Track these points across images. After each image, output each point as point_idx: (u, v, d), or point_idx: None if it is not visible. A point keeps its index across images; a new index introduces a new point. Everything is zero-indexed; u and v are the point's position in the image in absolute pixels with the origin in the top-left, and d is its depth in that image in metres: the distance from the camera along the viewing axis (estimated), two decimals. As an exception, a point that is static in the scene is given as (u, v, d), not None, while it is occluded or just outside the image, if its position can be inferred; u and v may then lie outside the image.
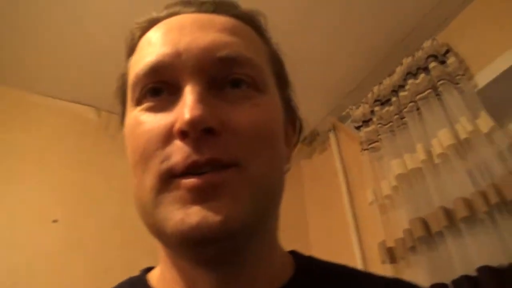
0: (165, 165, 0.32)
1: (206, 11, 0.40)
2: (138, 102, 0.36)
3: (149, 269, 0.44)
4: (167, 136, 0.33)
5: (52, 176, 1.40)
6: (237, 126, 0.33)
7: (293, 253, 0.44)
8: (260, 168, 0.33)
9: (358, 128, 1.56)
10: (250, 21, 0.42)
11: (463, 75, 1.28)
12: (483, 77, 1.26)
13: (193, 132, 0.31)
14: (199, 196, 0.30)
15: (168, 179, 0.32)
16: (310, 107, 1.71)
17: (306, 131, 1.78)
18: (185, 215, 0.30)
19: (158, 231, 0.33)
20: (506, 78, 1.22)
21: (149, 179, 0.32)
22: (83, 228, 1.34)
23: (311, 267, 0.42)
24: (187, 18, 0.39)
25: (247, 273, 0.36)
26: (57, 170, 1.42)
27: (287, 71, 0.46)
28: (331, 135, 1.78)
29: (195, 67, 0.34)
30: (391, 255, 1.26)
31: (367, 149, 1.49)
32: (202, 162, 0.31)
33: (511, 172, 1.01)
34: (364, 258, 1.44)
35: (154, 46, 0.37)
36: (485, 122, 1.13)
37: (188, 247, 0.31)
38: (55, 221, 1.33)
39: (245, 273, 0.35)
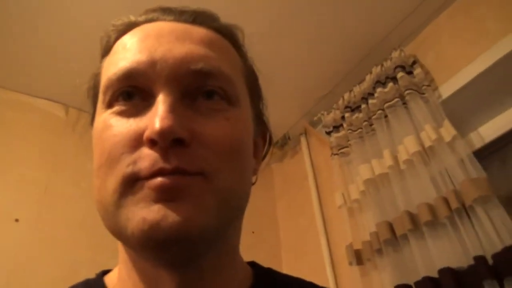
0: (131, 169, 0.32)
1: (184, 21, 0.40)
2: (109, 105, 0.36)
3: (106, 271, 0.43)
4: (136, 142, 0.33)
5: (15, 174, 1.35)
6: (207, 138, 0.33)
7: (253, 264, 0.45)
8: (226, 180, 0.34)
9: (328, 133, 1.59)
10: (227, 35, 0.43)
11: (428, 85, 1.34)
12: (447, 89, 1.33)
13: (162, 142, 0.31)
14: (163, 195, 0.31)
15: (133, 182, 0.32)
16: (283, 112, 1.74)
17: (278, 135, 1.82)
18: (146, 213, 0.30)
19: (119, 232, 0.32)
20: (468, 90, 1.29)
21: (113, 182, 0.32)
22: (47, 228, 1.30)
23: (270, 279, 0.43)
24: (165, 27, 0.39)
25: (208, 279, 0.36)
26: (20, 168, 1.36)
27: (260, 85, 0.47)
28: (303, 139, 1.81)
29: (169, 77, 0.35)
30: (358, 257, 1.30)
31: (337, 154, 1.53)
32: (168, 170, 0.31)
33: (470, 178, 1.06)
34: (332, 260, 1.48)
35: (129, 52, 0.37)
36: (448, 131, 1.19)
37: (148, 247, 0.31)
38: (17, 220, 1.28)
39: (205, 279, 0.36)
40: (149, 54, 0.36)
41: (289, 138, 1.82)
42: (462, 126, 1.32)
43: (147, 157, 0.32)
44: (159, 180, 0.31)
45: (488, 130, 1.32)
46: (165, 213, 0.30)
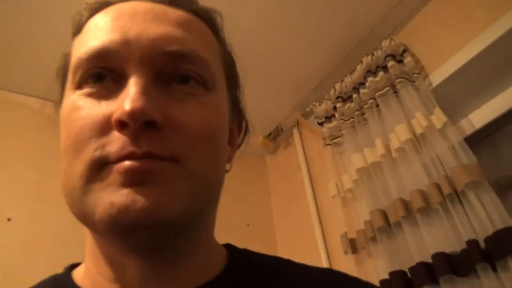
0: (99, 153, 0.31)
1: (161, 2, 0.38)
2: (78, 86, 0.35)
3: (75, 265, 0.42)
4: (105, 126, 0.32)
5: (7, 172, 1.33)
6: (180, 122, 0.32)
7: (228, 246, 0.44)
8: (199, 166, 0.33)
9: (321, 124, 1.60)
10: (206, 18, 0.41)
11: (419, 73, 1.35)
12: (437, 76, 1.34)
13: (133, 124, 0.30)
14: (132, 179, 0.30)
15: (101, 166, 0.31)
16: (275, 104, 1.74)
17: (271, 127, 1.82)
18: (115, 197, 0.29)
19: (86, 218, 0.31)
20: (458, 77, 1.30)
21: (80, 166, 0.31)
22: (39, 227, 1.29)
23: (244, 259, 0.42)
24: (141, 6, 0.37)
25: (178, 265, 0.35)
26: (12, 166, 1.35)
27: (238, 72, 0.46)
28: (295, 131, 1.81)
29: (142, 58, 0.33)
30: (352, 245, 1.31)
31: (329, 144, 1.54)
32: (138, 154, 0.30)
33: (461, 164, 1.07)
34: (327, 249, 1.49)
35: (101, 31, 0.35)
36: (438, 118, 1.20)
37: (116, 232, 0.30)
38: (9, 219, 1.27)
39: (175, 265, 0.35)
40: (123, 33, 0.34)
41: (281, 130, 1.82)
42: (453, 113, 1.33)
43: (116, 140, 0.30)
44: (127, 163, 0.30)
45: (479, 116, 1.33)
46: (134, 197, 0.29)
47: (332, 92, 1.58)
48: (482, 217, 0.99)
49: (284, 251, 1.66)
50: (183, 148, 0.32)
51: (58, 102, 0.40)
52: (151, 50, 0.34)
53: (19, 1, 1.24)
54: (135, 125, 0.30)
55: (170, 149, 0.31)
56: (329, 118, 1.57)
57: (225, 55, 0.42)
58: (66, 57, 0.40)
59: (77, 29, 0.39)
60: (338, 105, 1.53)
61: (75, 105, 0.34)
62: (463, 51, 1.29)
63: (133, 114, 0.29)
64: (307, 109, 1.70)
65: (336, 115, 1.53)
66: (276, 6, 1.39)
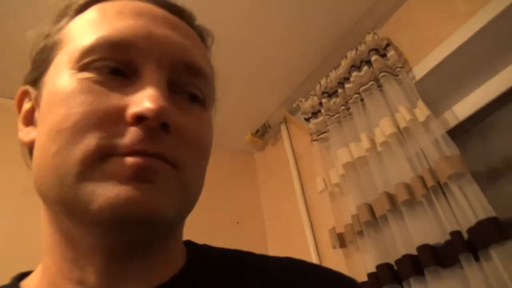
0: (106, 142, 0.31)
1: (173, 12, 0.40)
2: (83, 68, 0.34)
3: (24, 274, 0.40)
4: (115, 117, 0.32)
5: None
6: (185, 132, 0.34)
7: (187, 242, 0.44)
8: (192, 175, 0.35)
9: (307, 119, 1.60)
10: (203, 38, 0.43)
11: (402, 67, 1.36)
12: (420, 69, 1.35)
13: (154, 122, 0.31)
14: (138, 175, 0.30)
15: (105, 156, 0.30)
16: (262, 101, 1.74)
17: (258, 124, 1.82)
18: (121, 190, 0.29)
19: (76, 206, 0.30)
20: (440, 70, 1.31)
21: (80, 152, 0.30)
22: (25, 227, 1.28)
23: (204, 254, 0.42)
24: (158, 12, 0.38)
25: (146, 263, 0.35)
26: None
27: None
28: (283, 127, 1.82)
29: (163, 61, 0.34)
30: (341, 240, 1.32)
31: (316, 140, 1.54)
32: (150, 153, 0.31)
33: (444, 157, 1.09)
34: (316, 244, 1.50)
35: (121, 21, 0.35)
36: (421, 111, 1.21)
37: (111, 224, 0.30)
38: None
39: (144, 263, 0.35)
40: (148, 32, 0.35)
41: (269, 126, 1.83)
42: (437, 105, 1.34)
43: (130, 133, 0.31)
44: (137, 159, 0.30)
45: (462, 108, 1.34)
46: (139, 193, 0.30)
47: (317, 87, 1.59)
48: (465, 208, 1.00)
49: (274, 247, 1.67)
50: (182, 156, 0.33)
51: (32, 84, 0.39)
52: (172, 57, 0.35)
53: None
54: (156, 123, 0.31)
55: (174, 154, 0.33)
56: (315, 114, 1.57)
57: (213, 74, 0.44)
58: (49, 38, 0.38)
59: (79, 8, 0.39)
60: (324, 100, 1.53)
61: (80, 88, 0.33)
62: (444, 44, 1.30)
63: (159, 113, 0.31)
64: (294, 105, 1.71)
65: (322, 111, 1.54)
66: (259, 4, 1.38)
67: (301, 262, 0.45)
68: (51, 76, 0.36)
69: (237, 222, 1.64)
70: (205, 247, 0.44)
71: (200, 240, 0.45)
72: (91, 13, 0.37)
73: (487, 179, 1.31)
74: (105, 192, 0.29)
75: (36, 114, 0.38)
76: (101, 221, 0.30)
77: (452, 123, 1.32)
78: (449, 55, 1.28)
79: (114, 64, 0.34)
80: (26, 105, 0.41)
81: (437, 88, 1.35)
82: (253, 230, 1.72)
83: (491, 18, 1.18)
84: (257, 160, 1.96)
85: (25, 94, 0.41)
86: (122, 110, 0.32)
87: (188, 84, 0.36)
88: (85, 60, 0.34)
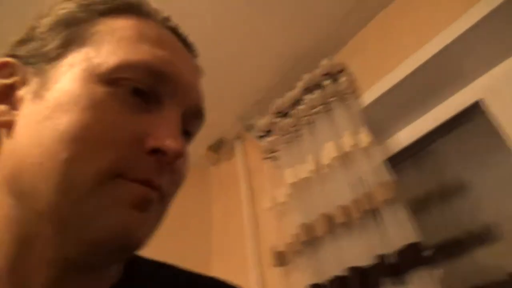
0: (120, 164, 0.31)
1: (190, 51, 0.42)
2: (108, 82, 0.33)
3: None
4: (134, 142, 0.32)
5: None
6: (177, 167, 0.36)
7: None
8: (170, 204, 0.37)
9: (261, 137, 1.63)
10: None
11: (352, 93, 1.41)
12: (368, 97, 1.40)
13: (171, 160, 0.33)
14: (141, 204, 0.31)
15: (116, 176, 0.31)
16: (218, 115, 1.75)
17: (213, 138, 1.83)
18: (126, 217, 0.31)
19: (74, 220, 0.30)
20: (386, 99, 1.37)
21: (94, 168, 0.30)
22: None
23: (137, 271, 0.42)
24: (182, 51, 0.40)
25: (93, 278, 0.35)
26: None
27: None
28: (237, 143, 1.84)
29: (185, 101, 0.37)
30: (281, 258, 1.33)
31: (268, 158, 1.57)
32: (154, 185, 0.32)
33: (380, 182, 1.13)
34: (260, 262, 1.51)
35: (165, 50, 0.36)
36: (364, 138, 1.26)
37: (105, 246, 0.30)
38: None
39: (91, 278, 0.35)
40: (182, 71, 0.37)
41: (224, 141, 1.84)
42: (381, 132, 1.40)
43: (145, 162, 0.32)
44: (146, 190, 0.32)
45: (404, 136, 1.40)
46: (137, 222, 0.31)
47: (273, 106, 1.62)
48: (392, 233, 1.04)
49: (218, 263, 1.66)
50: (169, 188, 0.35)
51: (22, 56, 0.36)
52: (190, 101, 0.37)
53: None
54: (173, 161, 0.33)
55: (167, 187, 0.35)
56: (268, 132, 1.60)
57: None
58: (69, 22, 0.36)
59: (113, 8, 0.37)
60: (277, 120, 1.56)
61: (102, 101, 0.32)
62: (392, 73, 1.36)
63: (179, 154, 0.32)
64: (250, 122, 1.73)
65: (275, 130, 1.57)
66: (222, 16, 1.41)
67: (223, 285, 0.47)
68: (65, 74, 0.34)
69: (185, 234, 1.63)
70: (141, 261, 0.43)
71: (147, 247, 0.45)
72: (128, 28, 0.36)
73: (419, 205, 1.37)
74: (111, 217, 0.30)
75: (20, 94, 0.35)
76: (98, 241, 0.30)
77: (394, 150, 1.38)
78: (395, 85, 1.34)
79: (140, 86, 0.34)
80: (4, 80, 0.36)
81: (383, 116, 1.41)
82: (200, 243, 1.71)
83: (435, 52, 1.24)
84: (211, 175, 1.96)
85: (7, 66, 0.37)
86: (141, 137, 0.32)
87: (189, 124, 0.39)
88: (115, 76, 0.33)
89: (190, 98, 0.37)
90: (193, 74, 0.39)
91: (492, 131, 1.20)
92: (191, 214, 1.77)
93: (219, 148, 1.86)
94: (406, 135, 1.41)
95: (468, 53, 1.25)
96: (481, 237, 1.27)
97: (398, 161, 1.37)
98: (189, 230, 1.70)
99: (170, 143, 0.32)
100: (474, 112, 1.29)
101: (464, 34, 1.19)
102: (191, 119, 0.38)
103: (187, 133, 0.40)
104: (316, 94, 1.46)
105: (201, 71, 0.44)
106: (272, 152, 1.56)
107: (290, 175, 1.39)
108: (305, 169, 1.34)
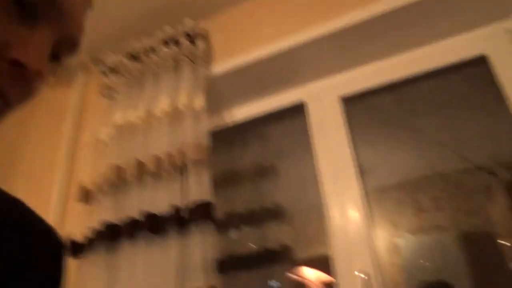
0: None
1: None
2: None
3: None
4: None
5: None
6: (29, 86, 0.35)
7: None
8: (4, 116, 0.36)
9: (104, 73, 1.56)
10: None
11: (204, 60, 1.46)
12: (217, 68, 1.48)
13: (29, 76, 0.33)
14: None
15: None
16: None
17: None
18: None
19: None
20: (231, 76, 1.47)
21: None
22: None
23: None
24: None
25: None
26: None
27: None
28: (79, 72, 1.73)
29: (63, 29, 0.36)
30: (87, 195, 1.32)
31: (105, 96, 1.52)
32: (2, 91, 0.32)
33: (196, 144, 1.22)
34: (67, 195, 1.47)
35: None
36: (198, 102, 1.33)
37: None
38: None
39: None
40: None
41: (66, 66, 1.70)
42: (218, 104, 1.50)
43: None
44: None
45: (239, 114, 1.54)
46: None
47: (126, 47, 1.57)
48: (192, 190, 1.14)
49: (22, 187, 1.54)
50: (14, 100, 0.34)
51: None
52: (70, 30, 0.37)
53: None
54: (30, 78, 0.34)
55: (13, 98, 0.34)
56: (113, 70, 1.55)
57: None
58: None
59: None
60: (125, 61, 1.52)
61: None
62: (245, 54, 1.46)
63: (39, 74, 0.33)
64: (99, 55, 1.64)
65: (121, 70, 1.53)
66: None
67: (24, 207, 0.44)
68: None
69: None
70: None
71: None
72: None
73: (234, 177, 1.54)
74: None
75: None
76: None
77: (220, 123, 1.50)
78: (244, 66, 1.45)
79: None
80: None
81: (225, 89, 1.51)
82: (7, 162, 1.57)
83: (293, 44, 1.37)
84: (43, 95, 1.79)
85: None
86: (7, 46, 0.31)
87: (60, 51, 0.37)
88: None
89: (68, 27, 0.37)
90: (81, 5, 0.38)
91: (307, 133, 1.41)
92: (6, 128, 1.60)
93: (58, 72, 1.71)
94: (240, 113, 1.54)
95: (306, 59, 1.43)
96: (271, 214, 1.50)
97: (229, 134, 1.50)
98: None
99: (32, 60, 0.32)
100: (298, 110, 1.49)
101: (309, 43, 1.36)
102: (64, 47, 0.38)
103: (57, 57, 0.39)
104: (171, 49, 1.47)
105: (92, 4, 0.43)
106: (110, 90, 1.51)
107: (120, 117, 1.38)
108: (134, 115, 1.35)
